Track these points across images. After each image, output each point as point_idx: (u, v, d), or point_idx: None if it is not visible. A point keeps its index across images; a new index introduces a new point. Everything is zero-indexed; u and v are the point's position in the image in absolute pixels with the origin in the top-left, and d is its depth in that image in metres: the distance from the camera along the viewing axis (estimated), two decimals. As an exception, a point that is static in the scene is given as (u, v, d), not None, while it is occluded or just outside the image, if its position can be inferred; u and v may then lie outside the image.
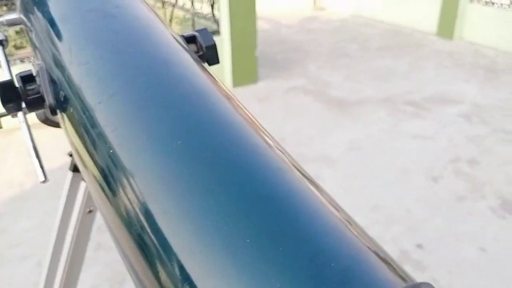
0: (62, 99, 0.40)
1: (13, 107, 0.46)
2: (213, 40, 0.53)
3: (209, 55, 0.52)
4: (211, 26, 4.80)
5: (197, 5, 4.87)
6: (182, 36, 0.51)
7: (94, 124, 0.34)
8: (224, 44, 4.67)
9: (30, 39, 0.53)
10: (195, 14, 4.88)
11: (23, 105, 0.44)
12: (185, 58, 0.40)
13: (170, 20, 4.56)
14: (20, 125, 0.51)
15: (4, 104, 0.45)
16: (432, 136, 3.61)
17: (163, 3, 4.58)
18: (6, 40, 0.59)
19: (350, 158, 3.30)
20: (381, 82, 5.05)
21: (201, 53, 0.52)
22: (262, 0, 4.69)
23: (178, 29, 4.79)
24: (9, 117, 0.53)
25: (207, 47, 0.52)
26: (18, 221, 2.67)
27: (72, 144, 0.39)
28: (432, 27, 6.89)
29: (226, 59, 4.72)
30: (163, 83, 0.34)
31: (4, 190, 2.95)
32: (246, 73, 4.86)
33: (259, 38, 4.91)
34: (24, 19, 0.54)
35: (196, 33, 0.52)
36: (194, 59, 0.41)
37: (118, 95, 0.34)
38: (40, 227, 2.56)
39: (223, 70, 4.77)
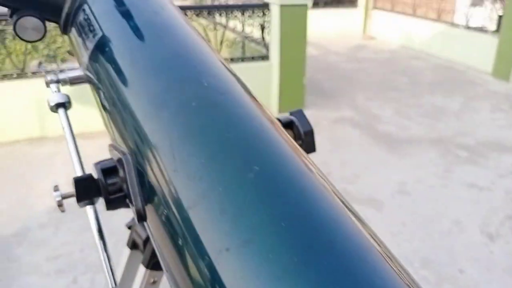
0: (154, 207, 0.32)
1: (87, 202, 0.38)
2: (310, 125, 0.46)
3: (307, 143, 0.46)
4: (261, 50, 4.77)
5: (248, 29, 4.86)
6: (279, 120, 0.44)
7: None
8: (272, 70, 4.62)
9: (102, 105, 0.44)
10: (246, 38, 4.87)
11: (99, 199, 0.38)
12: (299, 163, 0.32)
13: (221, 43, 4.56)
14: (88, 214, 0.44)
15: (79, 201, 0.38)
16: (488, 186, 3.38)
17: (215, 25, 4.60)
18: (69, 102, 0.51)
19: (399, 202, 3.12)
20: (432, 120, 4.84)
21: (299, 142, 0.45)
22: (310, 25, 4.61)
23: (227, 52, 4.80)
24: (57, 124, 0.48)
25: (305, 133, 0.46)
26: (58, 233, 2.66)
27: (158, 242, 0.33)
28: (487, 66, 6.60)
29: (273, 85, 4.66)
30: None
31: (47, 199, 2.97)
32: (293, 100, 4.78)
33: (306, 63, 4.83)
34: (92, 77, 0.45)
35: (293, 118, 0.46)
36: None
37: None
38: (78, 242, 2.54)
39: (270, 95, 4.71)
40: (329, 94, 5.54)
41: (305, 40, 4.56)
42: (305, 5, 4.35)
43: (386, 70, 6.78)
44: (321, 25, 8.77)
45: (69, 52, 9.23)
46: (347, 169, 3.60)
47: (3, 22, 3.75)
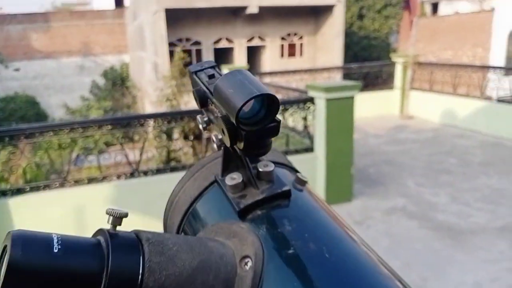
0: None
1: None
2: None
3: None
4: (305, 142, 4.73)
5: (291, 120, 4.88)
6: None
7: None
8: (318, 161, 4.53)
9: None
10: (289, 130, 4.87)
11: None
12: None
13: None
14: None
15: None
16: None
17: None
18: None
19: (479, 311, 2.77)
20: (492, 205, 4.51)
21: None
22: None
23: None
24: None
25: None
26: None
27: None
28: (541, 141, 6.29)
29: (319, 177, 4.54)
30: None
31: None
32: (340, 190, 4.62)
33: (353, 153, 4.72)
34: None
35: None
36: None
37: None
38: None
39: (316, 186, 4.57)
40: (376, 181, 5.34)
41: (352, 131, 4.50)
42: (352, 98, 4.35)
43: (431, 151, 6.57)
44: (358, 108, 8.80)
45: (106, 144, 9.58)
46: (412, 271, 3.29)
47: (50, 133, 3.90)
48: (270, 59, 15.68)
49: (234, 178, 0.43)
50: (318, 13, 15.36)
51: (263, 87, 0.37)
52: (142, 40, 15.33)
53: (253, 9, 13.73)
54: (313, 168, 4.57)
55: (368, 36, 17.05)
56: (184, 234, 0.47)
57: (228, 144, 0.41)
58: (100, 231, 0.35)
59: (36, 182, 4.14)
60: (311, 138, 4.64)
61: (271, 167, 0.43)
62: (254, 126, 0.38)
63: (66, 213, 3.95)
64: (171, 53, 12.78)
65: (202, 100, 0.44)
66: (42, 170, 4.96)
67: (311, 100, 4.48)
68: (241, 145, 0.39)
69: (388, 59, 10.67)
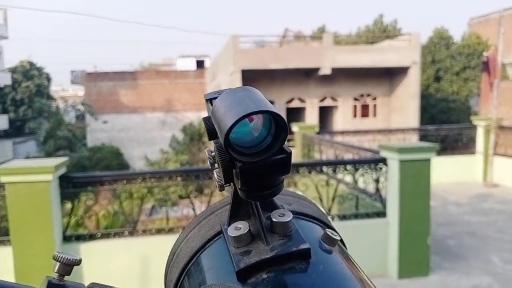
0: None
1: None
2: None
3: None
4: (376, 206, 4.47)
5: (361, 181, 4.67)
6: None
7: None
8: (390, 227, 4.22)
9: None
10: (359, 191, 4.66)
11: None
12: None
13: (333, 199, 4.39)
14: None
15: None
16: None
17: (327, 180, 4.50)
18: None
19: None
20: None
21: None
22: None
23: (339, 209, 4.58)
24: None
25: None
26: None
27: None
28: None
29: (392, 245, 4.21)
30: None
31: None
32: (415, 262, 4.23)
33: (430, 221, 4.35)
34: None
35: None
36: None
37: None
38: None
39: (387, 257, 4.23)
40: (457, 254, 4.84)
41: (429, 196, 4.19)
42: (428, 160, 4.10)
43: (521, 224, 5.89)
44: (436, 173, 8.28)
45: (180, 196, 9.86)
46: None
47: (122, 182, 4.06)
48: (342, 119, 15.59)
49: (238, 228, 0.35)
50: (393, 75, 15.19)
51: (267, 104, 0.30)
52: (219, 98, 16.05)
53: (326, 71, 13.95)
54: (385, 235, 4.27)
55: (446, 99, 16.41)
56: None
57: (221, 181, 0.34)
58: (46, 279, 0.29)
59: (107, 230, 4.29)
60: (383, 201, 4.38)
61: (288, 217, 0.34)
62: (253, 157, 0.31)
63: (132, 261, 4.01)
64: (245, 111, 13.21)
65: (210, 130, 0.36)
66: (118, 218, 5.16)
67: (384, 161, 4.28)
68: (238, 183, 0.32)
69: (468, 123, 10.10)
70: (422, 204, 4.19)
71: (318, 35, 18.81)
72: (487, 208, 6.78)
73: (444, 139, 8.82)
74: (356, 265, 0.35)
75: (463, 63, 16.63)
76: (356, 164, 4.43)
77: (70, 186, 3.91)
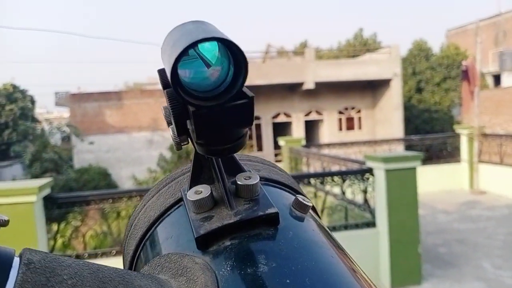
0: None
1: None
2: None
3: None
4: (365, 216, 4.48)
5: (349, 192, 4.68)
6: None
7: None
8: (381, 238, 4.23)
9: None
10: (348, 203, 4.67)
11: None
12: None
13: (322, 211, 4.38)
14: None
15: None
16: None
17: (316, 192, 4.50)
18: None
19: None
20: None
21: None
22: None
23: (329, 221, 4.57)
24: None
25: None
26: None
27: None
28: None
29: (383, 255, 4.21)
30: None
31: None
32: (407, 271, 4.23)
33: (420, 229, 4.37)
34: None
35: None
36: None
37: None
38: None
39: (379, 267, 4.23)
40: (448, 262, 4.86)
41: (416, 205, 4.22)
42: (413, 169, 4.13)
43: (509, 229, 5.96)
44: (423, 182, 8.37)
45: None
46: None
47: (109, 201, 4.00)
48: (328, 132, 15.70)
49: (199, 192, 0.31)
50: (375, 87, 15.42)
51: (222, 33, 0.25)
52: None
53: (309, 85, 14.09)
54: (375, 245, 4.27)
55: (429, 109, 16.68)
56: (137, 267, 0.35)
57: (176, 137, 0.30)
58: None
59: (95, 250, 4.21)
60: (372, 212, 4.39)
61: (254, 180, 0.31)
62: (208, 101, 0.26)
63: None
64: (231, 127, 13.22)
65: (165, 82, 0.30)
66: (106, 238, 5.06)
67: (370, 171, 4.31)
68: (194, 136, 0.28)
69: (452, 132, 10.27)
70: (410, 213, 4.21)
71: (300, 50, 19.05)
72: (475, 215, 6.85)
73: (429, 149, 8.94)
74: (330, 234, 0.32)
75: (443, 73, 16.97)
76: (343, 175, 4.45)
77: (55, 207, 3.83)
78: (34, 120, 22.22)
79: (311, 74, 14.02)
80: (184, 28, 0.27)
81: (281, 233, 0.29)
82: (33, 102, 22.70)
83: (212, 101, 0.26)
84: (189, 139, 0.31)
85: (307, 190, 4.58)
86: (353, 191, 4.61)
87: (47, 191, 3.76)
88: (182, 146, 0.32)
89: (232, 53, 0.26)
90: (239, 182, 0.31)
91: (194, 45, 0.24)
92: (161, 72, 0.31)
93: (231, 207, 0.29)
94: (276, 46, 20.03)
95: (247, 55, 0.26)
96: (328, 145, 9.77)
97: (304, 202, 0.32)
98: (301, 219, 0.31)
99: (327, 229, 0.33)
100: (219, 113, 0.27)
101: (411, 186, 4.18)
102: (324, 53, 21.27)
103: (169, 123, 0.32)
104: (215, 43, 0.26)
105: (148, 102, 20.64)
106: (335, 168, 6.10)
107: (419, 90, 17.31)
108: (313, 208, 0.35)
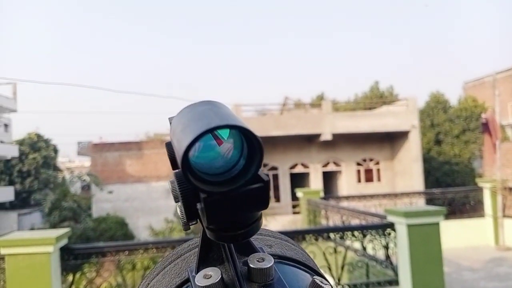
0: None
1: None
2: None
3: None
4: (387, 273, 4.31)
5: (370, 247, 4.54)
6: None
7: None
8: (404, 296, 4.04)
9: None
10: (369, 258, 4.52)
11: None
12: None
13: (342, 267, 4.24)
14: None
15: None
16: None
17: (335, 247, 4.38)
18: None
19: None
20: None
21: None
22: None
23: (349, 278, 4.42)
24: None
25: None
26: None
27: None
28: None
29: (407, 315, 4.00)
30: None
31: None
32: (433, 334, 3.99)
33: (445, 289, 4.17)
34: None
35: None
36: None
37: None
38: None
39: (403, 327, 4.00)
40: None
41: (441, 262, 4.05)
42: (436, 224, 4.01)
43: (541, 290, 5.63)
44: (446, 237, 8.08)
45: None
46: None
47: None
48: (346, 184, 15.53)
49: (208, 276, 0.28)
50: (393, 139, 15.37)
51: (236, 119, 0.24)
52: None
53: (326, 136, 14.15)
54: (398, 304, 4.07)
55: (449, 162, 16.45)
56: None
57: (184, 218, 0.27)
58: None
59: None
60: (394, 269, 4.23)
61: (268, 262, 0.28)
62: (221, 187, 0.24)
63: None
64: (249, 178, 13.21)
65: (172, 157, 0.29)
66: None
67: (391, 226, 4.20)
68: (204, 221, 0.26)
69: (474, 185, 10.03)
70: (435, 270, 4.03)
71: (317, 102, 19.34)
72: (502, 273, 6.52)
73: (451, 202, 8.71)
74: None
75: (462, 125, 16.88)
76: (364, 230, 4.34)
77: (72, 258, 3.81)
78: (56, 168, 22.70)
79: (329, 126, 14.12)
80: (196, 110, 0.26)
81: None
82: (56, 151, 23.31)
83: (225, 187, 0.25)
84: (198, 220, 0.29)
85: (326, 245, 4.47)
86: (374, 247, 4.47)
87: (64, 242, 3.76)
88: (191, 227, 0.30)
89: (247, 138, 0.24)
90: (251, 266, 0.28)
91: (206, 133, 0.23)
92: (169, 146, 0.29)
93: None
94: (293, 98, 20.40)
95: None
96: (347, 197, 9.63)
97: (322, 285, 0.29)
98: None
99: None
100: (232, 198, 0.25)
101: (435, 242, 4.03)
102: (340, 105, 21.52)
103: (176, 199, 0.29)
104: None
105: (164, 153, 20.94)
106: (355, 221, 5.97)
107: (438, 142, 17.18)
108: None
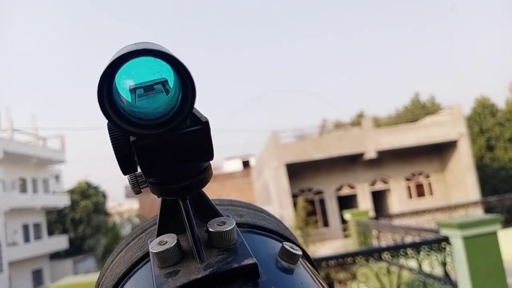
0: None
1: None
2: None
3: None
4: (448, 291, 4.03)
5: (426, 264, 4.28)
6: None
7: None
8: (469, 315, 3.74)
9: None
10: (426, 276, 4.25)
11: None
12: None
13: (398, 287, 4.01)
14: None
15: None
16: None
17: (388, 268, 4.17)
18: None
19: None
20: None
21: None
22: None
23: (408, 297, 4.16)
24: None
25: None
26: None
27: None
28: None
29: (475, 336, 3.69)
30: None
31: None
32: None
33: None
34: None
35: None
36: None
37: None
38: None
39: None
40: None
41: (503, 274, 3.75)
42: (494, 233, 3.74)
43: None
44: (508, 246, 7.54)
45: None
46: None
47: None
48: (397, 201, 14.97)
49: (163, 242, 0.26)
50: (441, 150, 14.77)
51: (164, 48, 0.21)
52: (268, 194, 16.12)
53: (371, 154, 13.82)
54: (464, 324, 3.77)
55: (505, 167, 15.56)
56: None
57: (121, 170, 0.25)
58: None
59: None
60: (454, 285, 3.95)
61: (229, 225, 0.26)
62: (153, 129, 0.22)
63: None
64: (295, 204, 13.05)
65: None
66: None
67: (446, 240, 3.95)
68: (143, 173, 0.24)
69: (536, 188, 9.38)
70: (497, 282, 3.73)
71: (357, 121, 19.04)
72: None
73: (510, 209, 8.16)
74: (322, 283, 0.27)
75: (514, 128, 16.02)
76: (417, 246, 4.11)
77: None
78: (107, 213, 23.47)
79: (372, 143, 13.80)
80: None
81: None
82: (105, 196, 24.17)
83: (156, 129, 0.22)
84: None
85: (378, 265, 4.26)
86: (431, 263, 4.22)
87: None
88: (141, 190, 0.28)
89: (179, 74, 0.22)
90: (211, 229, 0.26)
91: (127, 56, 0.21)
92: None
93: (201, 259, 0.25)
94: (332, 119, 20.23)
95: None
96: (398, 215, 9.26)
97: (292, 250, 0.27)
98: (289, 271, 0.26)
99: (322, 281, 0.28)
100: (167, 144, 0.23)
101: (494, 253, 3.75)
102: (382, 121, 21.08)
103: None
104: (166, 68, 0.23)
105: (211, 186, 21.23)
106: (408, 239, 5.69)
107: (490, 148, 16.35)
108: (307, 257, 0.30)
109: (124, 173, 0.26)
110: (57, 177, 23.69)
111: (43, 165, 20.70)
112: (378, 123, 19.36)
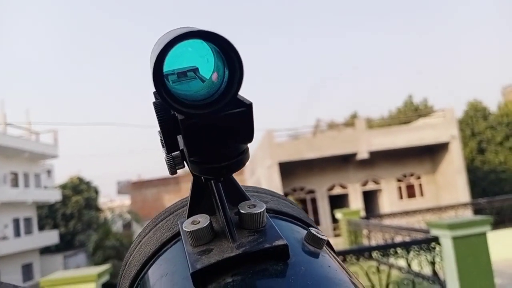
0: None
1: None
2: None
3: None
4: (436, 290, 4.10)
5: (415, 263, 4.34)
6: None
7: None
8: (457, 314, 3.81)
9: None
10: (415, 275, 4.32)
11: None
12: None
13: (387, 286, 4.07)
14: None
15: None
16: None
17: (378, 266, 4.22)
18: None
19: None
20: None
21: None
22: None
23: (397, 295, 4.21)
24: None
25: None
26: None
27: None
28: None
29: (462, 334, 3.75)
30: None
31: None
32: None
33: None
34: None
35: None
36: None
37: None
38: None
39: None
40: None
41: (491, 274, 3.81)
42: (483, 234, 3.81)
43: None
44: (498, 247, 7.64)
45: None
46: None
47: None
48: (388, 202, 15.08)
49: (197, 222, 0.27)
50: (433, 152, 14.90)
51: (212, 31, 0.22)
52: (259, 193, 16.13)
53: (363, 155, 13.91)
54: (450, 322, 3.84)
55: (495, 170, 15.74)
56: None
57: (165, 151, 0.26)
58: None
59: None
60: (442, 284, 4.02)
61: (259, 208, 0.27)
62: (200, 109, 0.23)
63: None
64: (286, 203, 13.10)
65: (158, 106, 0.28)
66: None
67: (436, 240, 4.01)
68: (186, 152, 0.25)
69: (524, 191, 9.52)
70: (485, 283, 3.80)
71: (350, 121, 19.14)
72: None
73: (499, 211, 8.27)
74: (348, 272, 0.29)
75: (504, 132, 16.21)
76: (406, 246, 4.17)
77: (114, 294, 3.86)
78: (98, 209, 23.36)
79: (364, 144, 13.89)
80: (170, 31, 0.25)
81: (292, 268, 0.25)
82: (97, 192, 24.06)
83: (204, 109, 0.24)
84: (184, 162, 0.28)
85: (368, 264, 4.31)
86: (420, 263, 4.28)
87: (106, 278, 3.82)
88: (178, 170, 0.29)
89: (225, 53, 0.23)
90: (242, 211, 0.27)
91: (180, 39, 0.22)
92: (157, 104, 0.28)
93: (233, 239, 0.26)
94: (326, 119, 20.31)
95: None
96: (389, 215, 9.34)
97: (318, 235, 0.28)
98: (315, 255, 0.27)
99: (345, 267, 0.30)
100: (212, 124, 0.24)
101: (483, 254, 3.81)
102: (375, 122, 21.20)
103: (162, 145, 0.28)
104: (208, 50, 0.25)
105: (204, 184, 21.22)
106: (398, 239, 5.76)
107: (481, 151, 16.53)
108: (329, 244, 0.32)
109: (168, 152, 0.27)
110: (49, 172, 23.54)
111: (35, 160, 20.56)
112: (371, 124, 19.47)
